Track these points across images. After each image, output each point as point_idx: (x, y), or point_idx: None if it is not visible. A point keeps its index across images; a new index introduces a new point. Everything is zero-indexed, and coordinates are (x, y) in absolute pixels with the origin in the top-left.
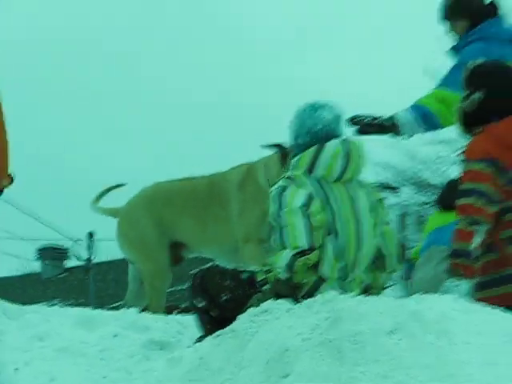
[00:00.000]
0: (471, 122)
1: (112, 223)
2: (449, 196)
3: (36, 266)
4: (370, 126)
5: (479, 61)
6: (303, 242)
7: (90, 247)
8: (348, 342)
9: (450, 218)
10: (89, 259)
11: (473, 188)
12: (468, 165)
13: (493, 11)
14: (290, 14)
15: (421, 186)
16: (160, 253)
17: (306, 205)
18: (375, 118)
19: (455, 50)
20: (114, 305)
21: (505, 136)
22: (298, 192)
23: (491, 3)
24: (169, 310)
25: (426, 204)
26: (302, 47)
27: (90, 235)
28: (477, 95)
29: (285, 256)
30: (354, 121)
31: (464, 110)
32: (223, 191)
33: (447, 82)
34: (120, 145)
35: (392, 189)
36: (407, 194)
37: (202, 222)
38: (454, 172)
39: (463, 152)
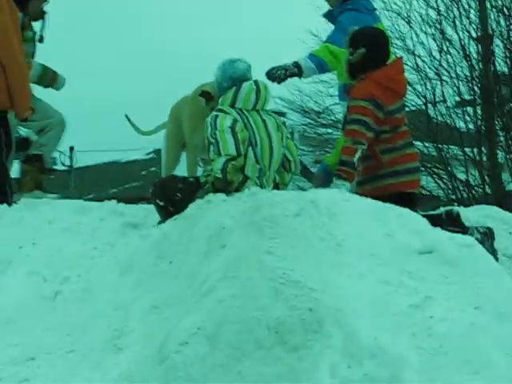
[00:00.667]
0: (356, 70)
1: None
2: None
3: None
4: (284, 77)
5: (358, 26)
6: (233, 151)
7: (71, 156)
8: (266, 222)
9: None
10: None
11: (358, 119)
12: (355, 101)
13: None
14: None
15: (305, 112)
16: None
17: (232, 126)
18: (285, 69)
19: (331, 16)
20: (90, 196)
21: (382, 80)
22: (226, 117)
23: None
24: (137, 200)
25: (306, 125)
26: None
27: (71, 148)
28: (362, 50)
29: (220, 161)
30: (269, 74)
31: (351, 62)
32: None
33: (332, 39)
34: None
35: (281, 114)
36: (296, 118)
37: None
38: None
39: (350, 91)
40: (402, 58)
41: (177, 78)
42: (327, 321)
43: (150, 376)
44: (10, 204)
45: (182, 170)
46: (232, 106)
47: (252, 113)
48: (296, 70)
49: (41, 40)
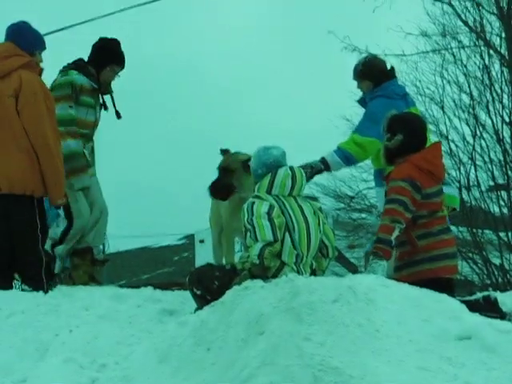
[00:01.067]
0: (394, 156)
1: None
2: None
3: None
4: (310, 175)
5: (394, 111)
6: (269, 237)
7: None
8: (304, 308)
9: None
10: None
11: (396, 198)
12: (394, 182)
13: (391, 74)
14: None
15: (339, 196)
16: None
17: (269, 212)
18: (311, 167)
19: (364, 102)
20: (122, 282)
21: (420, 163)
22: (262, 204)
23: (391, 68)
24: (172, 286)
25: (340, 210)
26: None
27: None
28: (399, 137)
29: (257, 247)
30: None
31: (389, 147)
32: None
33: (360, 128)
34: None
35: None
36: (329, 203)
37: None
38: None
39: (388, 175)
40: (440, 142)
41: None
42: None
43: None
44: (46, 291)
45: None
46: (268, 192)
47: (288, 198)
48: (322, 167)
49: (119, 116)
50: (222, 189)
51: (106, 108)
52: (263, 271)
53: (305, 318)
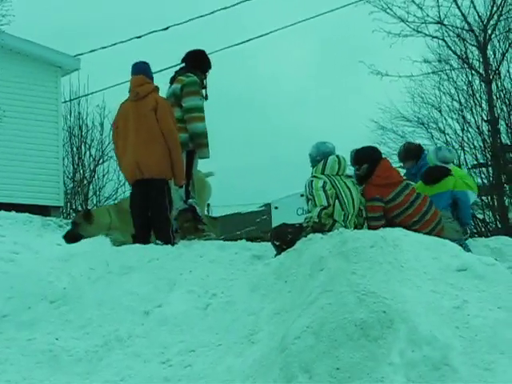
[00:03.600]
0: (363, 180)
1: None
2: (430, 173)
3: None
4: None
5: (358, 147)
6: (325, 202)
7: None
8: (351, 252)
9: (433, 190)
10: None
11: (374, 216)
12: (369, 202)
13: (422, 150)
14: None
15: None
16: None
17: (323, 186)
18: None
19: (410, 174)
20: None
21: (379, 183)
22: (318, 180)
23: (419, 146)
24: (256, 239)
25: None
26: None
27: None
28: (365, 166)
29: (316, 210)
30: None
31: (359, 175)
32: None
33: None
34: None
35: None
36: None
37: None
38: None
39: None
40: (385, 158)
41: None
42: (396, 319)
43: (275, 361)
44: (173, 244)
45: None
46: (322, 172)
47: (336, 176)
48: None
49: (206, 98)
50: (72, 237)
51: (207, 98)
52: (321, 227)
53: (351, 259)
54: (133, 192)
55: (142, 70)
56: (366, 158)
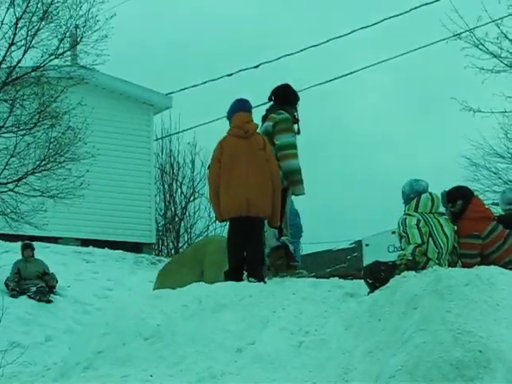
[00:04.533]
0: (457, 216)
1: None
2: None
3: None
4: None
5: (447, 189)
6: (418, 240)
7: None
8: (445, 290)
9: None
10: None
11: (469, 254)
12: (465, 239)
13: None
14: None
15: None
16: None
17: (417, 223)
18: None
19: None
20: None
21: (476, 217)
22: (412, 218)
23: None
24: (348, 276)
25: None
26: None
27: None
28: (459, 202)
29: (410, 248)
30: None
31: (454, 211)
32: None
33: None
34: None
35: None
36: None
37: None
38: None
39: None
40: (477, 196)
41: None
42: (493, 359)
43: None
44: (265, 282)
45: None
46: (415, 210)
47: (429, 214)
48: None
49: (299, 132)
50: None
51: (299, 133)
52: (414, 265)
53: (446, 297)
54: (233, 228)
55: (248, 108)
56: (460, 194)
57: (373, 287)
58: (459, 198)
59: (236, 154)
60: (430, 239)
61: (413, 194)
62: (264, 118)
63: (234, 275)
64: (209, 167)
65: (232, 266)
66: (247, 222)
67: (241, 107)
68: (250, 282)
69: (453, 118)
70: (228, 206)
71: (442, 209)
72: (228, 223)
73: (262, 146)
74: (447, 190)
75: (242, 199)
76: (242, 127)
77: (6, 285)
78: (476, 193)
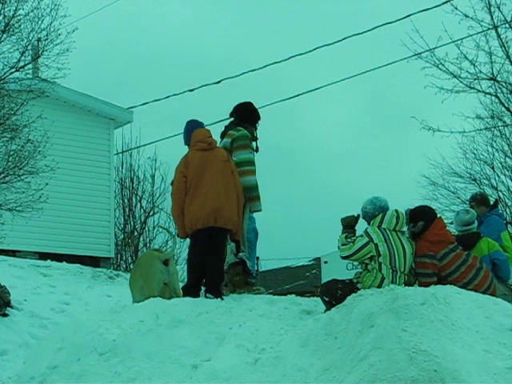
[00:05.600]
0: (416, 236)
1: None
2: (463, 242)
3: None
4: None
5: (414, 206)
6: (350, 252)
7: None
8: (402, 309)
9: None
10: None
11: (425, 273)
12: (420, 258)
13: (496, 204)
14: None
15: None
16: None
17: (363, 245)
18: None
19: (480, 219)
20: (270, 291)
21: (432, 239)
22: (364, 238)
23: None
24: (306, 294)
25: None
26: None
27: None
28: (420, 223)
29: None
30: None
31: (414, 231)
32: None
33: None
34: None
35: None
36: None
37: None
38: None
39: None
40: (440, 217)
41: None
42: (447, 378)
43: None
44: (222, 299)
45: None
46: (379, 225)
47: (392, 232)
48: None
49: (257, 150)
50: None
51: (258, 151)
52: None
53: (402, 316)
54: (196, 241)
55: (203, 126)
56: (422, 215)
57: (329, 305)
58: (421, 219)
59: (202, 166)
60: (388, 257)
61: (377, 211)
62: (222, 135)
63: (192, 290)
64: (172, 183)
65: (190, 280)
66: (211, 234)
67: (197, 124)
68: (207, 298)
69: (413, 136)
70: (195, 217)
71: (405, 227)
72: (191, 237)
73: (226, 158)
74: (411, 208)
75: (209, 209)
76: (204, 141)
77: None
78: None
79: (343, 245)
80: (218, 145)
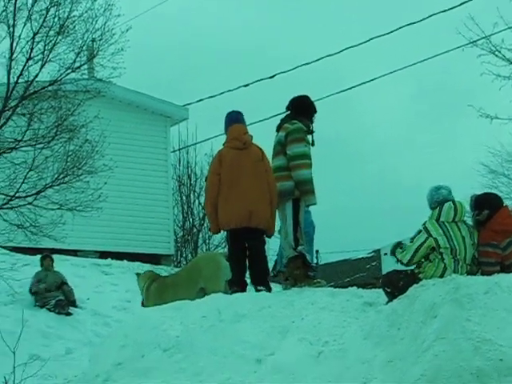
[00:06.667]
0: (480, 225)
1: None
2: None
3: None
4: None
5: (479, 193)
6: (407, 257)
7: (317, 257)
8: (465, 298)
9: None
10: (317, 263)
11: (488, 262)
12: (483, 247)
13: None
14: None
15: None
16: None
17: (422, 243)
18: None
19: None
20: (331, 283)
21: (496, 229)
22: (423, 236)
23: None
24: (367, 285)
25: None
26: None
27: (316, 251)
28: (485, 212)
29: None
30: None
31: (478, 220)
32: None
33: None
34: None
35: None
36: None
37: None
38: None
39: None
40: (506, 206)
41: None
42: None
43: None
44: (270, 290)
45: None
46: (437, 219)
47: (451, 224)
48: None
49: (313, 144)
50: None
51: (313, 144)
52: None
53: (465, 305)
54: (234, 239)
55: (241, 119)
56: (487, 203)
57: (392, 296)
58: (486, 208)
59: (236, 166)
60: (449, 248)
61: (433, 204)
62: (278, 128)
63: (237, 284)
64: (206, 179)
65: (235, 274)
66: (247, 233)
67: (235, 119)
68: (259, 290)
69: (470, 125)
70: (228, 218)
71: (467, 216)
72: (227, 234)
73: (260, 157)
74: (476, 194)
75: (244, 211)
76: (239, 139)
77: (32, 292)
78: None
79: (401, 253)
80: (275, 138)
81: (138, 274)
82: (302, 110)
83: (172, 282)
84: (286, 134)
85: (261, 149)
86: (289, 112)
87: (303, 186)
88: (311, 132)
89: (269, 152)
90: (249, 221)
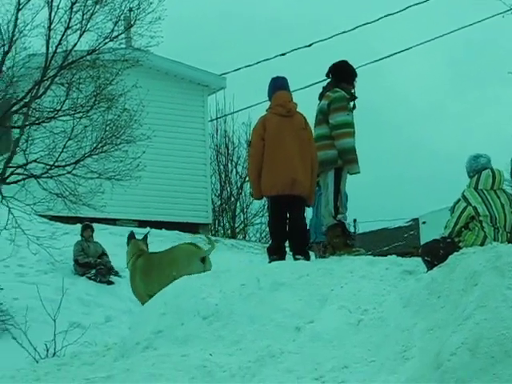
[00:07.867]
0: None
1: None
2: None
3: None
4: None
5: None
6: (449, 227)
7: (354, 226)
8: (506, 266)
9: None
10: (354, 232)
11: None
12: None
13: None
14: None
15: None
16: None
17: (462, 211)
18: None
19: None
20: (369, 252)
21: None
22: (462, 203)
23: None
24: (406, 254)
25: None
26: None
27: (354, 220)
28: None
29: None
30: None
31: None
32: None
33: None
34: None
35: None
36: None
37: None
38: None
39: None
40: None
41: None
42: None
43: (430, 378)
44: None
45: None
46: (475, 187)
47: (490, 191)
48: None
49: (354, 107)
50: None
51: (355, 107)
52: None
53: (506, 274)
54: (276, 206)
55: (286, 86)
56: None
57: (431, 265)
58: None
59: (280, 133)
60: (488, 216)
61: (472, 172)
62: (321, 96)
63: (277, 251)
64: (249, 144)
65: (275, 242)
66: (289, 200)
67: (280, 86)
68: (297, 259)
69: (507, 93)
70: (271, 184)
71: (506, 182)
72: (268, 201)
73: (304, 125)
74: None
75: (287, 178)
76: (284, 106)
77: (77, 262)
78: None
79: (445, 227)
80: (317, 107)
81: (128, 240)
82: (342, 75)
83: (157, 263)
84: (329, 103)
85: (304, 117)
86: (329, 79)
87: (347, 154)
88: (354, 97)
89: (309, 121)
90: (291, 188)
